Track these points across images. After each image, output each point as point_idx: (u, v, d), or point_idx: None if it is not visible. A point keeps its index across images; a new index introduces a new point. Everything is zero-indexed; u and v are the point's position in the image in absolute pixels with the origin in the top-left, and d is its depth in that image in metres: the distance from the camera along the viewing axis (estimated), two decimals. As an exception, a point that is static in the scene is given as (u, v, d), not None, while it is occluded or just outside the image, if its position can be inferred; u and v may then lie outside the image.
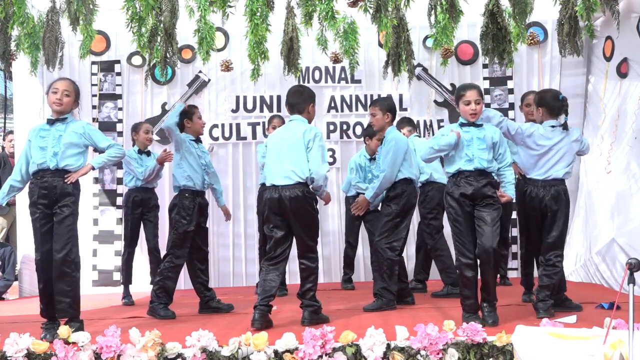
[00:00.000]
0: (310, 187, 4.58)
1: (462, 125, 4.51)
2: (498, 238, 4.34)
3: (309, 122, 4.77)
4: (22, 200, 7.18)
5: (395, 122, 6.57)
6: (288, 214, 4.53)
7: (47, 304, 4.27)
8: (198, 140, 5.46)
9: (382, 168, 5.29)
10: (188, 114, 5.41)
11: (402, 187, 5.25)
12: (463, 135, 4.46)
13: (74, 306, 4.25)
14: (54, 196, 4.19)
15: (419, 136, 6.88)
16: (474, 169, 4.38)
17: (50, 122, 4.33)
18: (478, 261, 4.37)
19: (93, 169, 4.43)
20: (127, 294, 6.25)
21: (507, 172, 4.53)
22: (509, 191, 4.52)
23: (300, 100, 4.74)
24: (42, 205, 4.20)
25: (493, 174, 4.48)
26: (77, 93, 4.39)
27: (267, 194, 4.64)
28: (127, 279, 6.29)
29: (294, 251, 4.70)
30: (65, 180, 4.21)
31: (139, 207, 6.18)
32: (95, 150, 4.50)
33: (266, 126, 6.87)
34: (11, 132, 8.69)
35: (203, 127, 5.62)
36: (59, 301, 4.20)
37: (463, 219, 4.38)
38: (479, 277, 4.39)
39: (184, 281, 7.64)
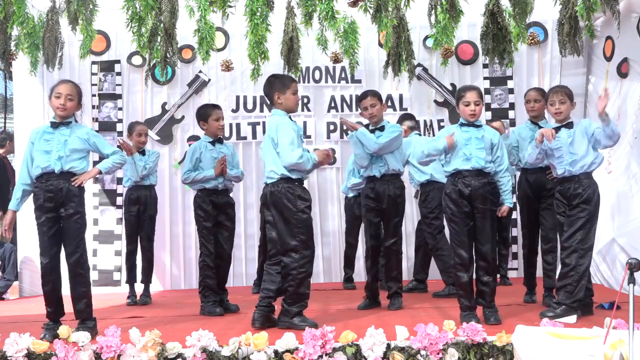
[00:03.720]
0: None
1: (462, 125, 4.56)
2: (495, 243, 4.47)
3: (287, 111, 4.55)
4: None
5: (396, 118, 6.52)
6: (271, 209, 4.46)
7: (55, 306, 4.24)
8: (217, 142, 5.43)
9: (383, 139, 5.16)
10: (203, 116, 5.41)
11: (400, 189, 5.27)
12: (461, 135, 4.49)
13: (90, 305, 4.26)
14: (60, 199, 4.15)
15: (420, 134, 6.87)
16: (472, 167, 4.41)
17: (54, 125, 4.26)
18: (474, 261, 4.42)
19: (100, 172, 4.41)
20: (132, 294, 6.24)
21: (504, 179, 4.54)
22: (506, 201, 4.55)
23: (267, 91, 4.60)
24: (48, 209, 4.16)
25: (491, 175, 4.49)
26: (79, 95, 4.34)
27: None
28: (129, 278, 6.29)
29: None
30: (73, 183, 4.17)
31: (135, 205, 6.21)
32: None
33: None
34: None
35: (220, 128, 5.43)
36: (77, 303, 4.20)
37: (459, 219, 4.40)
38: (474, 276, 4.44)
39: (183, 281, 7.67)
